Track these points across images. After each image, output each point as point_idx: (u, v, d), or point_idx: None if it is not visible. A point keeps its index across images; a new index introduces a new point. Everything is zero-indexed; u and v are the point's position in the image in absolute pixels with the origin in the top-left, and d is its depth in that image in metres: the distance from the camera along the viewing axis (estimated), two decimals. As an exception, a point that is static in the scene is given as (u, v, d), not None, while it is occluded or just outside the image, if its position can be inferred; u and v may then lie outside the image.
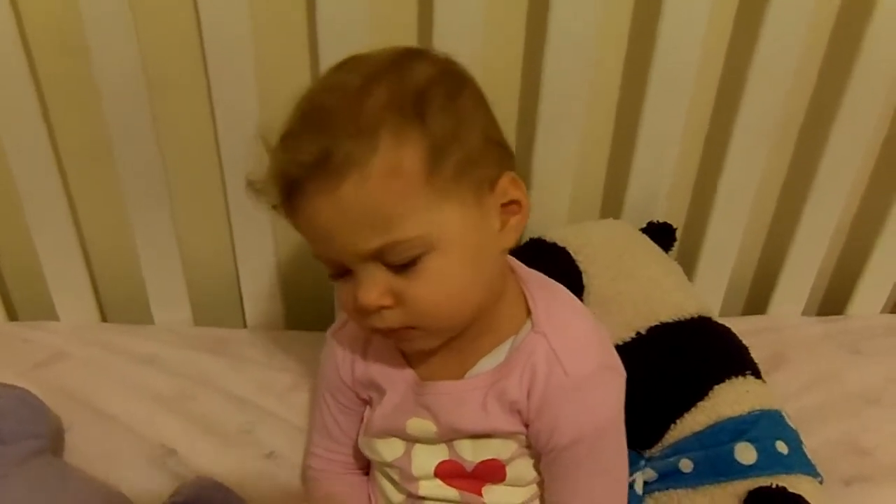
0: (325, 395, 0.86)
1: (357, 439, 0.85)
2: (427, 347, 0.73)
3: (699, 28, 1.01)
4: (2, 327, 1.18)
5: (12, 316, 1.23)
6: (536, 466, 0.78)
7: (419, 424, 0.77)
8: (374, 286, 0.66)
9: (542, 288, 0.76)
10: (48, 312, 1.18)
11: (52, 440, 0.97)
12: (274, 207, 0.71)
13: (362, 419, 0.85)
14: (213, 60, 0.99)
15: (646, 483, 0.91)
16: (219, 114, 1.02)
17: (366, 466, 0.89)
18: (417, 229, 0.64)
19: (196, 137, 1.08)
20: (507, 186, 0.68)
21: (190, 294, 1.18)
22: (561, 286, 0.79)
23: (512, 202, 0.69)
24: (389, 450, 0.81)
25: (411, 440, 0.79)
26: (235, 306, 1.22)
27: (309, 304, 1.25)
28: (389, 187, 0.62)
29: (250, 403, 1.07)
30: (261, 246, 1.13)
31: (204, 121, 1.05)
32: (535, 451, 0.77)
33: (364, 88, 0.63)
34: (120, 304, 1.24)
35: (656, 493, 0.90)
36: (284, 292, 1.18)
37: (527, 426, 0.75)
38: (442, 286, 0.67)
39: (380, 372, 0.80)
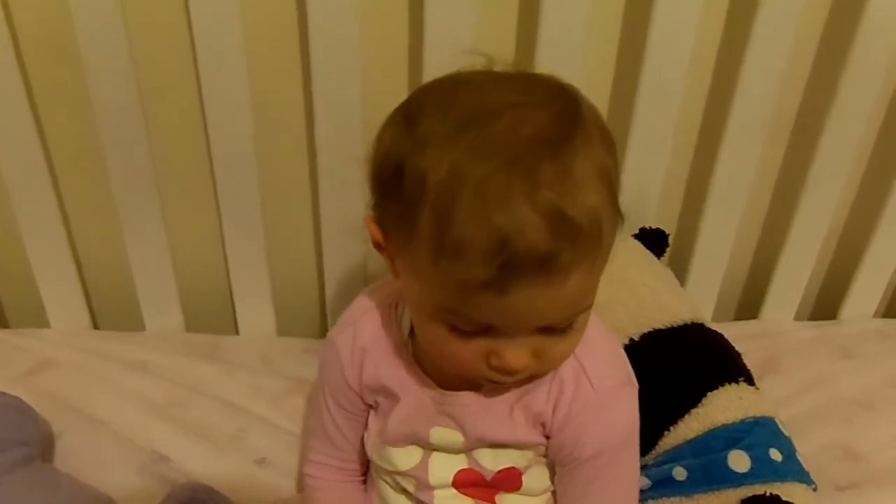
0: (326, 400, 0.84)
1: (359, 446, 0.85)
2: None
3: (689, 32, 1.01)
4: (-8, 334, 1.18)
5: (3, 323, 1.23)
6: (551, 475, 0.79)
7: (444, 434, 0.77)
8: (527, 350, 0.65)
9: None
10: (39, 319, 1.18)
11: (43, 447, 0.97)
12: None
13: (365, 425, 0.84)
14: (205, 68, 0.98)
15: (639, 490, 0.91)
16: (211, 121, 1.02)
17: (364, 474, 0.89)
18: (592, 298, 0.66)
19: (188, 145, 1.08)
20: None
21: (181, 301, 1.18)
22: None
23: None
24: (405, 458, 0.80)
25: (431, 448, 0.79)
26: (227, 313, 1.21)
27: (301, 311, 1.25)
28: (596, 273, 0.63)
29: (242, 409, 1.07)
30: (252, 253, 1.13)
31: (196, 128, 1.05)
32: (551, 461, 0.78)
33: (588, 182, 0.60)
34: (111, 312, 1.23)
35: (650, 500, 0.90)
36: (276, 299, 1.18)
37: (547, 437, 0.75)
38: (578, 337, 0.68)
39: (393, 378, 0.78)
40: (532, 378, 0.71)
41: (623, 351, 0.79)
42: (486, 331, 0.63)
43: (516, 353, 0.64)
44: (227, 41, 0.96)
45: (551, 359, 0.67)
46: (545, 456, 0.78)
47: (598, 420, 0.74)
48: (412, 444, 0.79)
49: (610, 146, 0.64)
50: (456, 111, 0.60)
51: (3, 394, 0.99)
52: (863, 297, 1.25)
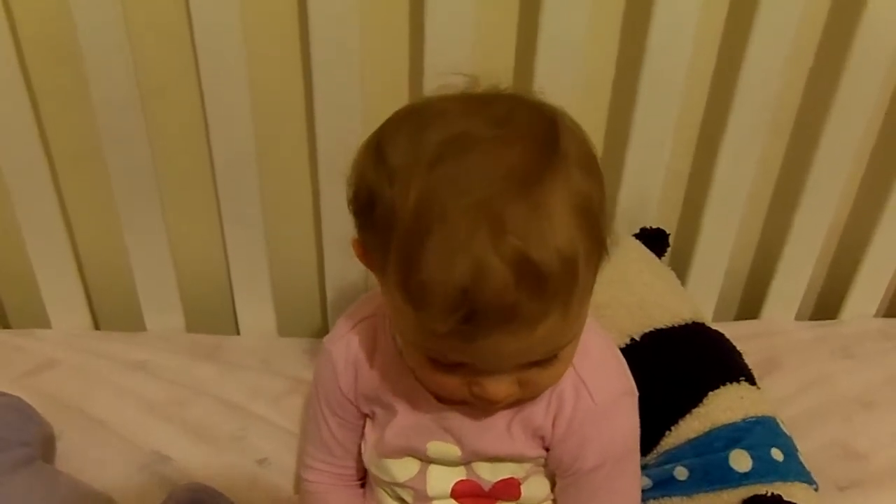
0: (321, 408, 0.82)
1: (356, 452, 0.84)
2: None
3: (689, 32, 1.01)
4: (-7, 334, 1.18)
5: (4, 323, 1.23)
6: (551, 484, 0.79)
7: (442, 447, 0.76)
8: (508, 383, 0.64)
9: None
10: (40, 320, 1.17)
11: (43, 447, 0.97)
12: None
13: (362, 432, 0.83)
14: (205, 68, 0.98)
15: (641, 491, 0.91)
16: (211, 122, 1.02)
17: (363, 478, 0.88)
18: (577, 330, 0.64)
19: (189, 145, 1.08)
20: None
21: (182, 301, 1.18)
22: None
23: None
24: (403, 470, 0.79)
25: (428, 461, 0.78)
26: (228, 313, 1.21)
27: (301, 311, 1.25)
28: (577, 312, 0.60)
29: (243, 410, 1.07)
30: (253, 253, 1.13)
31: (197, 128, 1.05)
32: (551, 471, 0.78)
33: (562, 220, 0.56)
34: (112, 312, 1.23)
35: (651, 500, 0.90)
36: (277, 299, 1.18)
37: (547, 449, 0.75)
38: (564, 366, 0.67)
39: (390, 390, 0.76)
40: (520, 402, 0.70)
41: (623, 359, 0.78)
42: (465, 364, 0.62)
43: (497, 387, 0.64)
44: (228, 40, 0.96)
45: (537, 387, 0.67)
46: (544, 466, 0.78)
47: (599, 432, 0.73)
48: (409, 455, 0.78)
49: (593, 173, 0.61)
50: (425, 144, 0.58)
51: (4, 394, 0.99)
52: (863, 296, 1.25)
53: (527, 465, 0.77)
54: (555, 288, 0.56)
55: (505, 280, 0.54)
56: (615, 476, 0.75)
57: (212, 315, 1.23)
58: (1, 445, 0.91)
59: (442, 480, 0.78)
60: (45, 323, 1.18)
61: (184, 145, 1.09)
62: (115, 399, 1.06)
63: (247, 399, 1.08)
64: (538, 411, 0.72)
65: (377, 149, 0.61)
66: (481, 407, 0.69)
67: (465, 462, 0.77)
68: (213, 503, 0.92)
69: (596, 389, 0.72)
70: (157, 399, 1.06)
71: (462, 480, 0.78)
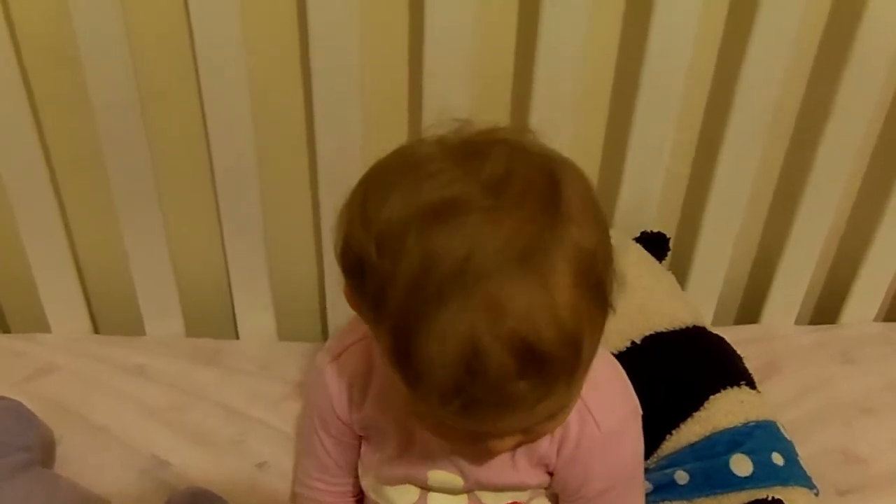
0: (316, 427, 0.80)
1: (353, 469, 0.82)
2: None
3: (688, 37, 1.01)
4: (-7, 339, 1.18)
5: (4, 328, 1.22)
6: (553, 501, 0.78)
7: (443, 476, 0.74)
8: (513, 440, 0.62)
9: None
10: (40, 324, 1.17)
11: (43, 452, 0.97)
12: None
13: (358, 451, 0.81)
14: (205, 72, 0.98)
15: (641, 495, 0.91)
16: (211, 126, 1.02)
17: (359, 494, 0.86)
18: (581, 390, 0.61)
19: (188, 149, 1.08)
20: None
21: (182, 305, 1.18)
22: None
23: None
24: (402, 497, 0.77)
25: (429, 489, 0.76)
26: (227, 317, 1.21)
27: (301, 315, 1.25)
28: (582, 379, 0.58)
29: (242, 414, 1.07)
30: (253, 257, 1.13)
31: (196, 132, 1.05)
32: (553, 493, 0.77)
33: (565, 289, 0.53)
34: (112, 316, 1.23)
35: (651, 504, 0.90)
36: (276, 303, 1.18)
37: (551, 474, 0.74)
38: (570, 412, 0.65)
39: (387, 416, 0.74)
40: (525, 444, 0.68)
41: (626, 378, 0.76)
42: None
43: (501, 445, 0.62)
44: (228, 45, 0.96)
45: (543, 434, 0.65)
46: (547, 488, 0.76)
47: (605, 459, 0.72)
48: (409, 483, 0.77)
49: (598, 225, 0.57)
50: (414, 211, 0.53)
51: (4, 398, 0.99)
52: (863, 301, 1.25)
53: (530, 490, 0.76)
54: (559, 369, 0.53)
55: (506, 368, 0.51)
56: (621, 498, 0.75)
57: (211, 319, 1.22)
58: (0, 450, 0.91)
59: None
60: (44, 327, 1.17)
61: (184, 150, 1.09)
62: (115, 403, 1.06)
63: (246, 403, 1.08)
64: (543, 441, 0.70)
65: (363, 205, 0.57)
66: (487, 454, 0.68)
67: (468, 490, 0.75)
68: (212, 507, 0.93)
69: (602, 417, 0.70)
70: (156, 403, 1.06)
71: None
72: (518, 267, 0.51)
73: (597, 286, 0.55)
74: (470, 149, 0.57)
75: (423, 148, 0.58)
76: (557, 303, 0.52)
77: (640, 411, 0.74)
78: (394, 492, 0.77)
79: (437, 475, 0.74)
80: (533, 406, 0.54)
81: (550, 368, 0.52)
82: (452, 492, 0.75)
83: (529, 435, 0.63)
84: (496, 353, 0.51)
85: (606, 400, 0.71)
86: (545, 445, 0.71)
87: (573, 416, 0.69)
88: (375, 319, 0.57)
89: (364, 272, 0.56)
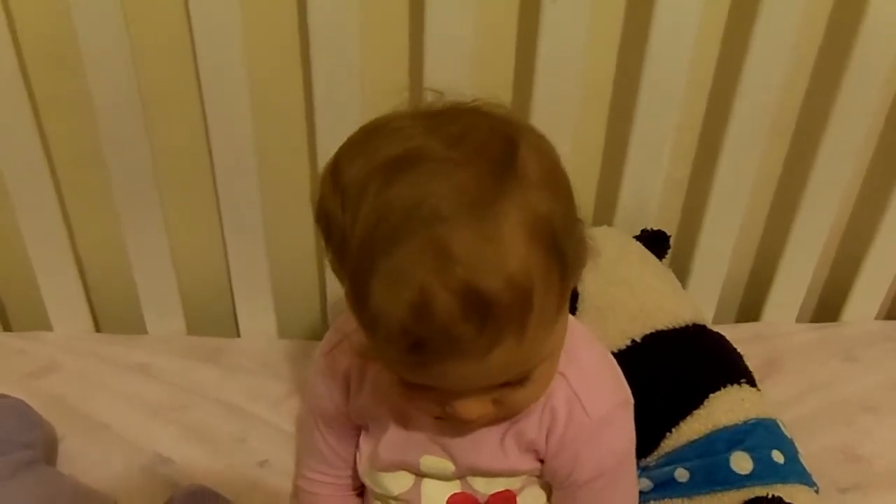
0: (316, 421, 0.82)
1: (353, 462, 0.83)
2: None
3: (690, 35, 1.01)
4: (-5, 337, 1.18)
5: (6, 326, 1.23)
6: (547, 493, 0.78)
7: (435, 462, 0.75)
8: (481, 403, 0.62)
9: None
10: (42, 322, 1.18)
11: (46, 450, 0.97)
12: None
13: (357, 442, 0.82)
14: (205, 71, 0.99)
15: (641, 493, 0.90)
16: (211, 124, 1.02)
17: (360, 486, 0.87)
18: (546, 352, 0.61)
19: (189, 148, 1.08)
20: (586, 255, 0.63)
21: (183, 304, 1.18)
22: (571, 316, 0.76)
23: None
24: (397, 483, 0.78)
25: (422, 475, 0.77)
26: (228, 316, 1.22)
27: (301, 314, 1.25)
28: (537, 336, 0.57)
29: (243, 412, 1.07)
30: (254, 255, 1.13)
31: (197, 131, 1.05)
32: (546, 482, 0.77)
33: (515, 245, 0.54)
34: (113, 315, 1.23)
35: (652, 502, 0.90)
36: (277, 301, 1.18)
37: (542, 461, 0.74)
38: (543, 385, 0.66)
39: (381, 404, 0.75)
40: (501, 420, 0.69)
41: (618, 368, 0.76)
42: (432, 386, 0.60)
43: (467, 407, 0.62)
44: (228, 44, 0.97)
45: (514, 406, 0.65)
46: (539, 477, 0.76)
47: (594, 446, 0.72)
48: (402, 469, 0.78)
49: (558, 192, 0.58)
50: (375, 165, 0.55)
51: (6, 396, 0.99)
52: (865, 299, 1.25)
53: (522, 477, 0.76)
54: (505, 318, 0.54)
55: (451, 312, 0.52)
56: (612, 486, 0.74)
57: (212, 318, 1.23)
58: (3, 448, 0.91)
59: (436, 494, 0.77)
60: (46, 326, 1.18)
61: (184, 149, 1.09)
62: (117, 401, 1.06)
63: (247, 401, 1.08)
64: (531, 425, 0.71)
65: (333, 170, 0.59)
66: (458, 425, 0.68)
67: (459, 476, 0.76)
68: (214, 505, 0.93)
69: (590, 404, 0.70)
70: (158, 401, 1.07)
71: (456, 493, 0.77)
72: (467, 215, 0.53)
73: (553, 249, 0.55)
74: (435, 112, 0.59)
75: (393, 113, 0.60)
76: (506, 253, 0.53)
77: (632, 401, 0.74)
78: (388, 478, 0.78)
79: (429, 460, 0.75)
80: (483, 355, 0.55)
81: (496, 314, 0.53)
82: (444, 477, 0.76)
83: (502, 407, 0.64)
84: (441, 296, 0.52)
85: (595, 388, 0.71)
86: (534, 431, 0.71)
87: (561, 403, 0.70)
88: (340, 271, 0.59)
89: (332, 230, 0.58)
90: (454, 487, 0.77)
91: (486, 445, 0.72)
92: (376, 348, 0.58)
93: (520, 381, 0.61)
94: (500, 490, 0.76)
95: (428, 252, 0.52)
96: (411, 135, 0.56)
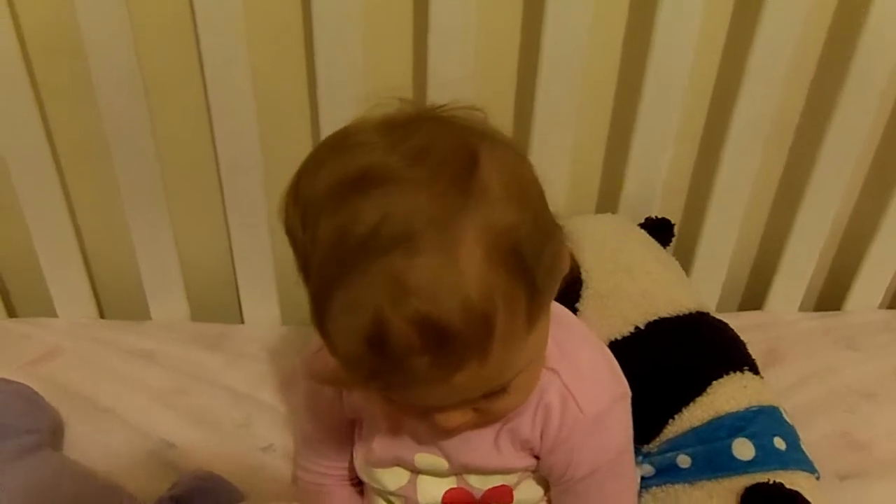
0: (311, 414, 0.82)
1: (349, 454, 0.83)
2: None
3: (695, 22, 1.01)
4: (0, 323, 1.18)
5: (11, 312, 1.23)
6: (544, 487, 0.78)
7: (429, 459, 0.74)
8: (460, 413, 0.61)
9: (551, 318, 0.67)
10: (46, 309, 1.18)
11: (52, 435, 0.97)
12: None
13: (352, 437, 0.81)
14: (209, 60, 0.99)
15: (643, 478, 0.91)
16: (215, 113, 1.02)
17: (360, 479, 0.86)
18: (520, 366, 0.59)
19: (193, 136, 1.08)
20: (567, 262, 0.61)
21: (187, 290, 1.18)
22: (566, 310, 0.76)
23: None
24: (392, 479, 0.77)
25: (417, 471, 0.76)
26: (232, 302, 1.22)
27: (305, 300, 1.25)
28: (503, 356, 0.55)
29: (247, 397, 1.07)
30: (257, 241, 1.13)
31: (201, 120, 1.05)
32: (542, 476, 0.76)
33: (475, 268, 0.51)
34: (118, 301, 1.24)
35: (654, 488, 0.90)
36: (281, 288, 1.18)
37: (537, 457, 0.73)
38: (526, 392, 0.65)
39: (374, 402, 0.72)
40: (484, 425, 0.68)
41: (614, 361, 0.75)
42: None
43: (446, 419, 0.61)
44: (231, 35, 0.97)
45: (495, 414, 0.65)
46: (535, 472, 0.76)
47: (590, 443, 0.71)
48: (398, 465, 0.77)
49: (524, 202, 0.55)
50: (333, 183, 0.54)
51: (12, 382, 0.99)
52: (867, 288, 1.25)
53: (518, 472, 0.75)
54: (464, 345, 0.52)
55: (407, 342, 0.51)
56: (610, 480, 0.74)
57: (216, 304, 1.23)
58: (9, 433, 0.92)
59: (432, 489, 0.77)
60: (50, 312, 1.18)
61: (188, 137, 1.09)
62: (121, 387, 1.06)
63: (251, 387, 1.08)
64: (524, 423, 0.70)
65: (295, 185, 0.58)
66: (441, 430, 0.66)
67: (454, 473, 0.75)
68: (218, 490, 0.93)
69: (584, 400, 0.69)
70: (162, 387, 1.07)
71: (453, 489, 0.76)
72: (424, 239, 0.51)
73: (517, 265, 0.53)
74: (399, 123, 0.57)
75: (356, 125, 0.58)
76: (464, 277, 0.51)
77: (629, 393, 0.73)
78: (384, 474, 0.78)
79: (423, 458, 0.74)
80: (444, 380, 0.53)
81: (454, 342, 0.51)
82: (439, 474, 0.76)
83: (484, 415, 0.63)
84: (397, 328, 0.50)
85: (590, 385, 0.70)
86: (527, 429, 0.70)
87: (555, 400, 0.69)
88: (306, 288, 0.57)
89: (295, 245, 0.57)
90: (450, 483, 0.76)
91: (479, 444, 0.72)
92: (342, 368, 0.57)
93: (496, 393, 0.60)
94: (496, 485, 0.75)
95: (382, 281, 0.51)
96: (371, 150, 0.54)
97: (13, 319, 1.20)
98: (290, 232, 0.58)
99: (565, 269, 0.60)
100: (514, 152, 0.58)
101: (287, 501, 0.93)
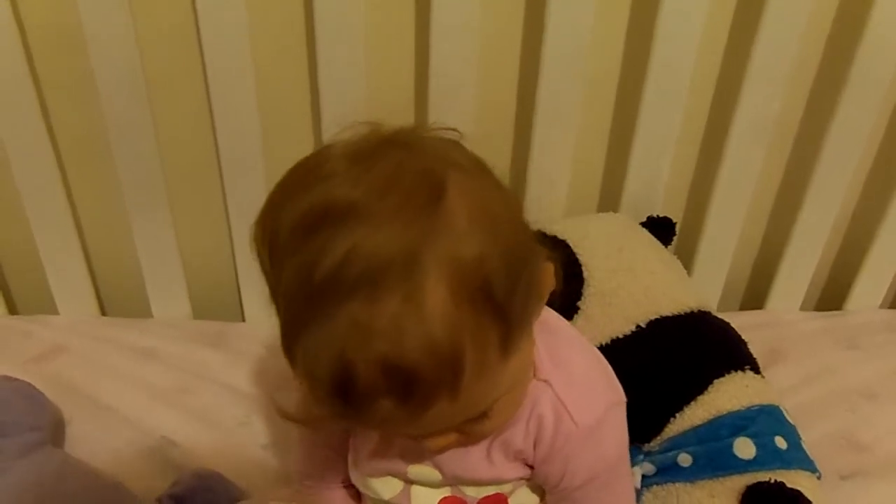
0: (303, 429, 0.82)
1: (344, 461, 0.81)
2: None
3: (697, 22, 1.01)
4: (2, 321, 1.18)
5: (12, 310, 1.23)
6: (539, 493, 0.77)
7: (422, 471, 0.73)
8: (443, 437, 0.61)
9: (541, 327, 0.66)
10: (48, 306, 1.18)
11: (53, 432, 0.98)
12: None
13: (347, 444, 0.80)
14: (210, 58, 0.99)
15: (644, 477, 0.91)
16: (217, 111, 1.02)
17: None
18: (499, 393, 0.58)
19: (194, 134, 1.08)
20: (549, 283, 0.60)
21: (188, 288, 1.18)
22: (558, 316, 0.75)
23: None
24: (386, 488, 0.76)
25: (410, 482, 0.76)
26: (234, 300, 1.22)
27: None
28: (477, 388, 0.54)
29: (248, 396, 1.07)
30: (260, 240, 1.13)
31: (202, 117, 1.05)
32: (536, 483, 0.75)
33: (440, 307, 0.50)
34: (119, 299, 1.24)
35: (654, 486, 0.90)
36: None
37: (531, 467, 0.72)
38: (509, 413, 0.64)
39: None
40: (470, 444, 0.67)
41: (609, 368, 0.73)
42: None
43: (430, 442, 0.61)
44: (233, 32, 0.97)
45: (479, 435, 0.64)
46: (529, 480, 0.75)
47: (584, 453, 0.69)
48: (391, 475, 0.76)
49: (494, 230, 0.53)
50: (300, 216, 0.53)
51: (14, 379, 1.00)
52: (869, 288, 1.25)
53: (511, 483, 0.74)
54: (431, 385, 0.51)
55: (373, 385, 0.50)
56: (606, 489, 0.73)
57: (218, 302, 1.23)
58: (11, 430, 0.92)
59: (426, 499, 0.76)
60: (52, 309, 1.18)
61: (190, 135, 1.09)
62: (123, 385, 1.07)
63: (252, 385, 1.09)
64: (517, 435, 0.68)
65: (263, 217, 0.57)
66: (428, 451, 0.66)
67: (447, 484, 0.75)
68: (219, 488, 0.93)
69: (577, 411, 0.67)
70: (163, 385, 1.07)
71: (447, 497, 0.75)
72: (388, 278, 0.50)
73: (486, 301, 0.52)
74: (367, 152, 0.55)
75: (324, 152, 0.57)
76: (428, 317, 0.50)
77: (624, 400, 0.72)
78: (378, 483, 0.77)
79: (416, 469, 0.73)
80: (417, 417, 0.53)
81: (421, 385, 0.50)
82: (432, 485, 0.75)
83: (467, 436, 0.63)
84: (362, 371, 0.50)
85: (583, 395, 0.69)
86: (520, 440, 0.69)
87: (547, 411, 0.68)
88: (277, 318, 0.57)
89: (266, 278, 0.57)
90: (444, 492, 0.75)
91: (472, 457, 0.71)
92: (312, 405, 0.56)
93: (478, 417, 0.59)
94: (490, 494, 0.74)
95: (347, 324, 0.50)
96: (337, 183, 0.53)
97: (14, 317, 1.21)
98: (260, 262, 0.57)
99: (547, 292, 0.59)
100: (486, 180, 0.57)
101: (287, 500, 0.94)
